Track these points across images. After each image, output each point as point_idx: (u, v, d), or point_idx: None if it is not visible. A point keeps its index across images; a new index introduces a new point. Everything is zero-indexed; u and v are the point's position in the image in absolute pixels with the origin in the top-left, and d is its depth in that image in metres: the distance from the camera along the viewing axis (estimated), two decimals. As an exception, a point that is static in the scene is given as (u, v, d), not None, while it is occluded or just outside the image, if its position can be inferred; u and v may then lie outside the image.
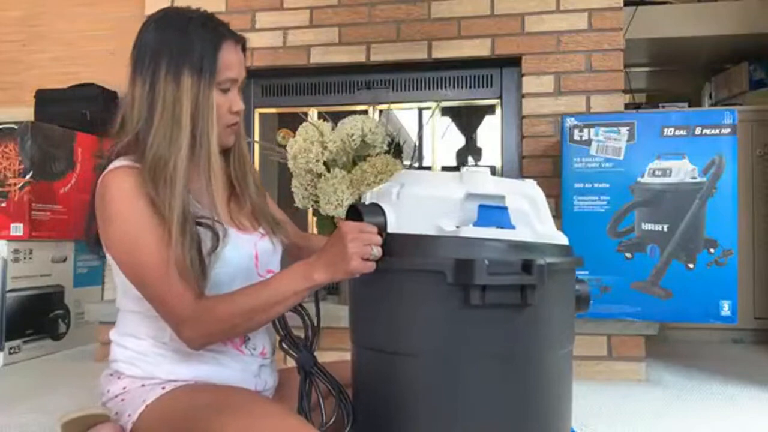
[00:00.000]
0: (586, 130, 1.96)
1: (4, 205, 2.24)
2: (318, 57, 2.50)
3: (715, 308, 1.86)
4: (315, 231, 2.42)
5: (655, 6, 2.85)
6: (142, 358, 1.09)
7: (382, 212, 0.98)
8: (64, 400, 1.68)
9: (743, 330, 2.63)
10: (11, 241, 2.21)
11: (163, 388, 1.06)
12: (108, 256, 1.11)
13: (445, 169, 2.67)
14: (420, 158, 2.65)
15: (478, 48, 2.40)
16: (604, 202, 1.94)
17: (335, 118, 2.17)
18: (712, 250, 1.86)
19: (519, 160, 2.42)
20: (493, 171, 2.40)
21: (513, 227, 0.95)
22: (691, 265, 1.88)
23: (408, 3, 2.44)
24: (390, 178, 1.13)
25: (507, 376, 0.93)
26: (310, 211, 2.37)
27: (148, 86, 1.07)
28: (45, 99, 2.69)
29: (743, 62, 3.09)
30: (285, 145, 2.17)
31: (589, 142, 1.95)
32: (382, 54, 2.46)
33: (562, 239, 1.02)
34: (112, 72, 2.81)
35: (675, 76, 3.65)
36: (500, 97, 2.50)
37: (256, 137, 2.63)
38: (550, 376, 0.97)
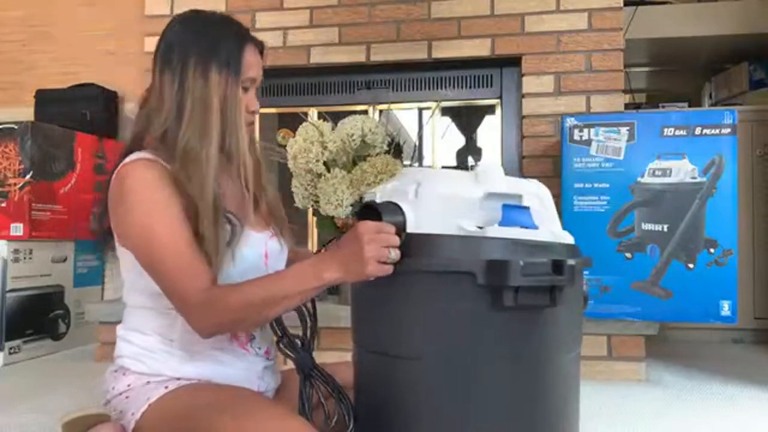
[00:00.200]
0: (586, 130, 1.96)
1: (4, 205, 2.24)
2: (318, 57, 2.50)
3: (715, 308, 1.86)
4: (315, 231, 2.43)
5: (655, 6, 2.85)
6: (148, 354, 1.09)
7: (401, 211, 0.95)
8: (64, 400, 1.68)
9: (743, 330, 2.63)
10: (11, 241, 2.21)
11: (166, 387, 1.06)
12: (118, 249, 1.11)
13: (445, 169, 2.67)
14: (420, 158, 2.64)
15: (478, 48, 2.40)
16: (604, 202, 1.94)
17: (335, 118, 2.17)
18: (712, 250, 1.86)
19: (519, 160, 2.42)
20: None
21: (536, 227, 0.95)
22: (691, 265, 1.88)
23: (408, 3, 2.44)
24: (392, 176, 1.12)
25: (523, 378, 0.92)
26: (310, 211, 2.37)
27: (177, 83, 1.09)
28: (45, 99, 2.70)
29: (743, 62, 3.09)
30: (285, 145, 2.16)
31: (589, 142, 1.95)
32: (382, 54, 2.46)
33: (570, 239, 1.01)
34: (112, 72, 2.83)
35: (675, 76, 3.65)
36: (500, 97, 2.50)
37: (257, 137, 2.63)
38: (562, 379, 0.97)
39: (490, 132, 2.62)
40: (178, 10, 2.57)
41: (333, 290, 2.37)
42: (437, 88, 2.53)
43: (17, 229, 2.23)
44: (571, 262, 0.88)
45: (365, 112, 2.52)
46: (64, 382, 1.92)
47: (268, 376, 1.18)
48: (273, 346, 1.19)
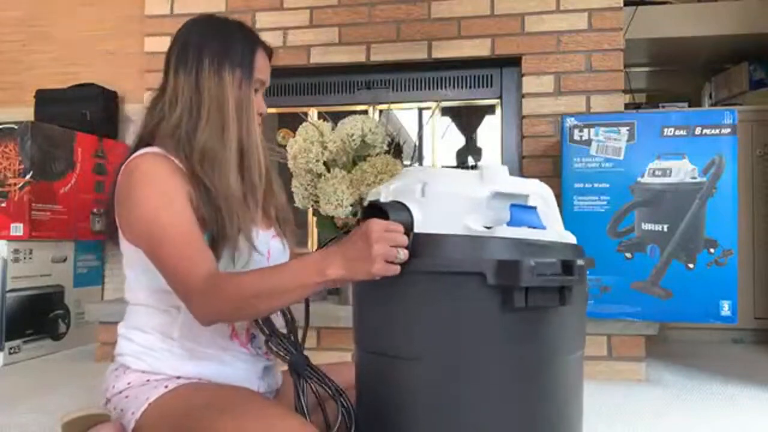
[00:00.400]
0: (586, 130, 1.96)
1: (4, 205, 2.24)
2: (318, 57, 2.50)
3: (715, 308, 1.86)
4: (315, 231, 2.43)
5: (655, 6, 2.85)
6: (148, 352, 1.10)
7: (409, 211, 0.94)
8: (64, 400, 1.68)
9: (743, 330, 2.63)
10: (11, 241, 2.21)
11: (166, 386, 1.06)
12: (122, 245, 1.12)
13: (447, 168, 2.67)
14: (420, 158, 2.65)
15: (478, 48, 2.40)
16: (604, 202, 1.94)
17: (335, 118, 2.17)
18: (712, 250, 1.86)
19: (519, 160, 2.42)
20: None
21: (544, 227, 0.95)
22: (691, 265, 1.88)
23: (408, 3, 2.44)
24: (392, 176, 1.12)
25: (529, 379, 0.91)
26: (310, 211, 2.37)
27: (193, 82, 1.11)
28: (45, 99, 2.70)
29: (743, 62, 3.09)
30: (285, 145, 2.16)
31: (589, 142, 1.95)
32: (382, 54, 2.46)
33: (573, 239, 1.01)
34: (112, 72, 2.83)
35: (675, 76, 3.64)
36: (500, 97, 2.50)
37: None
38: (567, 380, 0.96)
39: (490, 132, 2.62)
40: (178, 10, 2.61)
41: (333, 290, 2.37)
42: (437, 88, 2.53)
43: (17, 229, 2.22)
44: (580, 262, 0.88)
45: (365, 112, 2.52)
46: (64, 382, 1.92)
47: (269, 377, 1.19)
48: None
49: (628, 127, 1.93)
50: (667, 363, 2.21)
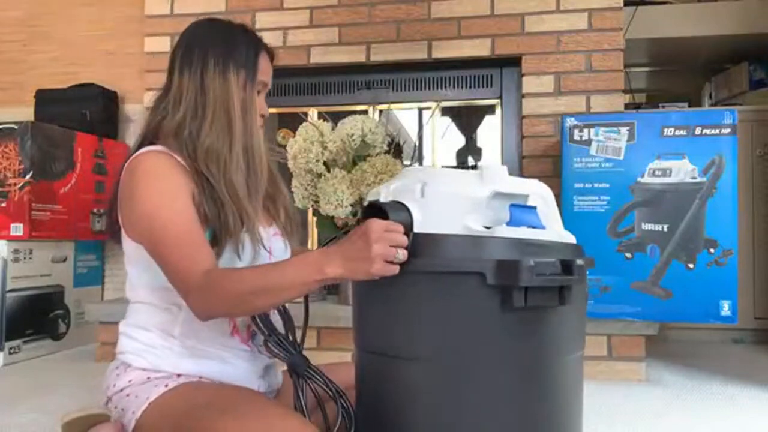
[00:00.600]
0: (586, 130, 1.96)
1: (4, 205, 2.24)
2: (318, 57, 2.50)
3: (715, 308, 1.86)
4: (315, 231, 2.43)
5: (655, 6, 2.85)
6: (149, 350, 1.10)
7: (408, 211, 0.94)
8: (64, 400, 1.68)
9: (743, 330, 2.63)
10: (11, 241, 2.21)
11: (167, 385, 1.06)
12: (124, 243, 1.13)
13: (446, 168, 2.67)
14: (420, 158, 2.65)
15: (478, 48, 2.40)
16: (604, 202, 1.94)
17: (335, 118, 2.17)
18: (712, 250, 1.86)
19: (519, 160, 2.42)
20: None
21: (544, 227, 0.95)
22: (691, 265, 1.88)
23: (408, 3, 2.44)
24: (392, 176, 1.11)
25: (529, 379, 0.91)
26: (310, 211, 2.37)
27: (199, 81, 1.12)
28: (45, 99, 2.70)
29: (743, 62, 3.09)
30: (285, 145, 2.16)
31: (589, 142, 1.95)
32: (382, 54, 2.46)
33: (572, 239, 1.01)
34: (112, 72, 2.83)
35: (675, 76, 3.65)
36: (500, 97, 2.50)
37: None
38: (567, 380, 0.96)
39: (490, 132, 2.62)
40: (178, 10, 2.61)
41: (333, 290, 2.37)
42: (437, 88, 2.53)
43: (17, 229, 2.23)
44: (579, 261, 0.88)
45: (365, 112, 2.52)
46: (64, 382, 1.92)
47: (270, 376, 1.19)
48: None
49: (628, 127, 1.93)
50: (667, 363, 2.21)
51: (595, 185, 1.95)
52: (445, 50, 2.42)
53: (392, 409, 0.96)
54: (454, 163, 2.84)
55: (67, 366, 2.19)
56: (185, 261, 1.00)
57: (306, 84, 2.61)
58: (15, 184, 2.24)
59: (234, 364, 1.12)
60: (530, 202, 0.96)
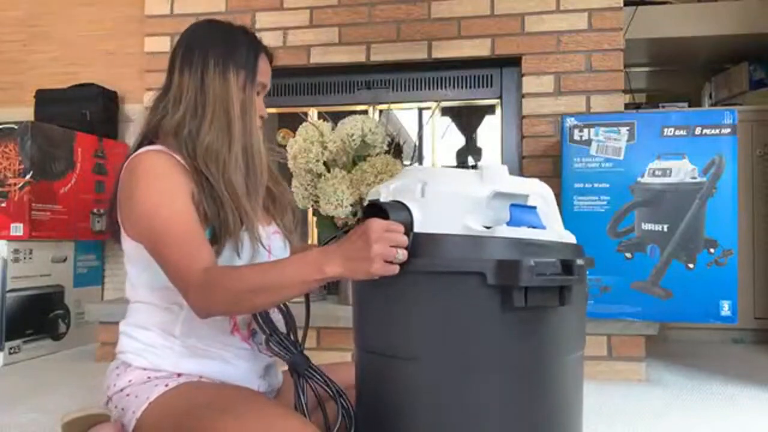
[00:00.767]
0: (586, 130, 1.96)
1: (4, 205, 2.24)
2: (318, 57, 2.50)
3: (715, 308, 1.86)
4: (315, 231, 2.43)
5: (655, 6, 2.85)
6: (149, 349, 1.10)
7: (409, 211, 0.94)
8: (64, 400, 1.68)
9: (743, 330, 2.63)
10: (11, 241, 2.21)
11: (167, 385, 1.06)
12: (124, 242, 1.13)
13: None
14: (420, 158, 2.65)
15: (478, 48, 2.40)
16: (604, 202, 1.94)
17: (335, 118, 2.17)
18: (712, 250, 1.86)
19: (519, 160, 2.42)
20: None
21: (544, 227, 0.95)
22: (691, 265, 1.88)
23: (408, 3, 2.44)
24: (392, 176, 1.11)
25: (529, 379, 0.91)
26: (310, 211, 2.37)
27: (199, 81, 1.13)
28: (45, 99, 2.70)
29: (743, 62, 3.09)
30: (285, 145, 2.17)
31: (589, 142, 1.95)
32: (382, 54, 2.46)
33: (572, 238, 1.01)
34: (112, 72, 2.83)
35: (675, 76, 3.65)
36: (500, 97, 2.50)
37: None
38: (567, 380, 0.96)
39: (490, 132, 2.62)
40: (178, 10, 2.61)
41: (333, 290, 2.37)
42: (437, 88, 2.53)
43: (17, 229, 2.23)
44: (580, 261, 0.88)
45: (365, 112, 2.52)
46: (64, 382, 1.92)
47: (270, 376, 1.19)
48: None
49: (628, 127, 1.93)
50: (667, 363, 2.21)
51: (595, 185, 1.95)
52: (445, 50, 2.42)
53: (392, 409, 0.96)
54: (454, 163, 2.84)
55: (67, 366, 2.19)
56: (185, 259, 1.00)
57: (306, 84, 2.61)
58: (15, 184, 2.24)
59: (234, 363, 1.12)
60: (530, 202, 0.96)
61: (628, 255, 1.92)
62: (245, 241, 1.09)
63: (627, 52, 2.40)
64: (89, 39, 2.88)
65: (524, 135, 2.36)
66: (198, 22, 1.21)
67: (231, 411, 0.96)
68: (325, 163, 2.09)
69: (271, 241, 1.19)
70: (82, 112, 2.63)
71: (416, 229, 0.94)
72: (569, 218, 1.94)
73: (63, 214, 2.39)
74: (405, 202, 0.95)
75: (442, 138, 2.66)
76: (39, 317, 2.34)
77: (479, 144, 2.83)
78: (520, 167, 2.39)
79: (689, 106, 3.31)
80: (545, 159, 2.32)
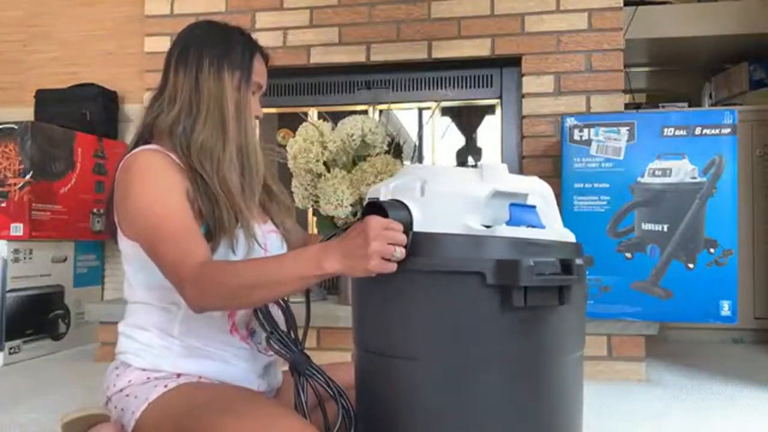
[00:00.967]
0: (586, 130, 1.96)
1: (4, 205, 2.24)
2: (318, 57, 2.50)
3: (715, 308, 1.86)
4: (315, 231, 2.43)
5: (655, 6, 2.85)
6: (148, 350, 1.10)
7: (408, 210, 0.94)
8: (64, 400, 1.68)
9: (743, 330, 2.63)
10: (11, 241, 2.21)
11: (166, 386, 1.06)
12: (121, 242, 1.13)
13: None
14: (420, 158, 2.64)
15: (478, 48, 2.40)
16: (604, 202, 1.94)
17: (335, 118, 2.17)
18: (712, 250, 1.86)
19: (519, 160, 2.42)
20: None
21: (543, 227, 0.94)
22: (691, 265, 1.88)
23: (408, 3, 2.44)
24: (395, 174, 1.11)
25: (528, 379, 0.91)
26: (310, 211, 2.37)
27: (193, 80, 1.13)
28: (45, 99, 2.69)
29: (743, 62, 3.09)
30: (285, 145, 2.17)
31: (589, 142, 1.95)
32: (382, 54, 2.46)
33: (572, 237, 1.01)
34: (112, 72, 2.83)
35: (675, 76, 3.65)
36: (500, 97, 2.50)
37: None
38: (567, 380, 0.96)
39: (490, 132, 2.62)
40: (178, 10, 2.61)
41: (333, 290, 2.37)
42: (437, 88, 2.53)
43: (17, 229, 2.22)
44: (579, 261, 0.89)
45: (365, 112, 2.52)
46: (64, 382, 1.92)
47: (269, 375, 1.19)
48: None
49: (628, 127, 1.93)
50: (667, 363, 2.21)
51: (595, 185, 1.95)
52: (445, 50, 2.42)
53: (392, 409, 0.96)
54: (454, 164, 2.84)
55: (67, 366, 2.19)
56: (180, 254, 0.99)
57: (306, 84, 2.61)
58: (15, 184, 2.24)
59: (234, 363, 1.12)
60: (530, 201, 0.96)
61: (628, 255, 1.92)
62: (240, 238, 1.09)
63: (627, 52, 2.40)
64: (89, 39, 2.88)
65: (524, 135, 2.36)
66: (194, 23, 1.22)
67: (230, 411, 0.96)
68: (325, 163, 2.09)
69: (268, 240, 1.18)
70: (82, 112, 2.63)
71: (416, 228, 0.93)
72: (569, 218, 1.93)
73: (63, 214, 2.39)
74: (404, 201, 0.95)
75: (442, 138, 2.66)
76: (39, 317, 2.34)
77: (479, 144, 2.83)
78: (520, 167, 2.39)
79: (689, 106, 3.31)
80: (545, 159, 2.32)
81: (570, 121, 1.97)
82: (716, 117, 1.88)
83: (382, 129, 2.11)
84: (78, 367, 2.15)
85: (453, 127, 2.82)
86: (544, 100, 2.34)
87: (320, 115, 2.43)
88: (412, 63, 2.47)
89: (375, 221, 0.89)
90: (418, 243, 0.92)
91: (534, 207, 0.95)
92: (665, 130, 1.90)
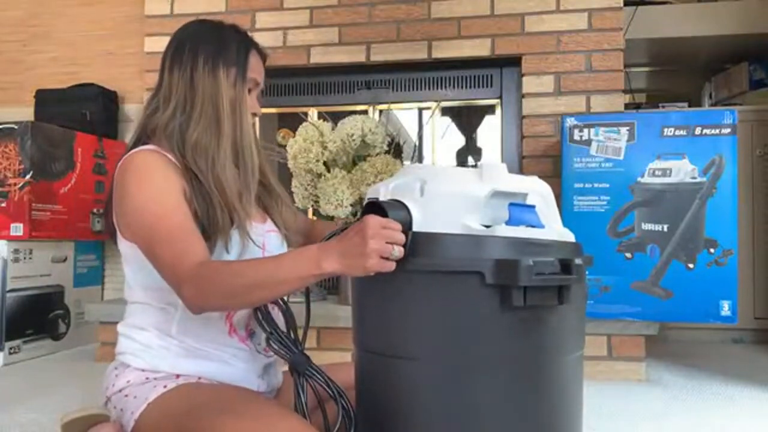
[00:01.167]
0: (586, 130, 1.96)
1: (4, 205, 2.24)
2: (318, 57, 2.50)
3: (715, 308, 1.86)
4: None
5: (655, 6, 2.85)
6: (147, 350, 1.10)
7: (407, 210, 0.94)
8: (64, 400, 1.68)
9: (743, 330, 2.63)
10: (11, 241, 2.21)
11: (165, 386, 1.06)
12: (120, 243, 1.13)
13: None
14: (420, 158, 2.64)
15: (478, 48, 2.40)
16: (604, 202, 1.94)
17: (335, 118, 2.17)
18: (712, 250, 1.86)
19: (519, 160, 2.42)
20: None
21: (543, 226, 0.94)
22: (691, 265, 1.88)
23: (408, 3, 2.44)
24: (394, 174, 1.10)
25: (528, 379, 0.91)
26: (310, 211, 2.37)
27: (188, 78, 1.13)
28: (45, 99, 2.70)
29: (743, 62, 3.09)
30: (285, 145, 2.17)
31: (589, 142, 1.95)
32: (382, 54, 2.46)
33: (571, 236, 1.01)
34: (112, 72, 2.83)
35: (675, 76, 3.64)
36: (500, 97, 2.50)
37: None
38: (567, 380, 0.96)
39: (490, 132, 2.62)
40: (178, 10, 2.61)
41: (333, 290, 2.37)
42: (437, 88, 2.53)
43: (17, 229, 2.22)
44: (578, 260, 0.89)
45: (365, 112, 2.52)
46: (64, 382, 1.92)
47: (269, 375, 1.19)
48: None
49: (628, 127, 1.93)
50: (667, 363, 2.21)
51: (595, 185, 1.95)
52: (445, 50, 2.42)
53: (392, 409, 0.96)
54: (454, 164, 2.84)
55: (67, 366, 2.19)
56: (178, 254, 0.99)
57: (306, 84, 2.61)
58: (15, 184, 2.24)
59: (233, 364, 1.12)
60: (529, 201, 0.96)
61: (628, 255, 1.92)
62: (234, 237, 1.09)
63: (627, 52, 2.40)
64: (89, 39, 2.88)
65: (524, 135, 2.36)
66: (189, 22, 1.22)
67: (230, 411, 0.96)
68: (325, 163, 2.09)
69: (267, 239, 1.18)
70: (82, 112, 2.63)
71: (415, 228, 0.93)
72: (569, 218, 1.94)
73: (63, 214, 2.39)
74: (404, 201, 0.95)
75: (442, 138, 2.66)
76: (39, 317, 2.34)
77: (479, 144, 2.83)
78: (520, 167, 2.39)
79: (689, 106, 3.31)
80: (545, 159, 2.32)
81: (570, 121, 1.97)
82: (716, 117, 1.88)
83: (382, 129, 2.11)
84: (78, 367, 2.15)
85: (453, 127, 2.82)
86: (544, 100, 2.34)
87: (320, 115, 2.43)
88: (412, 63, 2.47)
89: (373, 220, 0.90)
90: (417, 243, 0.92)
91: (533, 207, 0.95)
92: (665, 130, 1.90)
